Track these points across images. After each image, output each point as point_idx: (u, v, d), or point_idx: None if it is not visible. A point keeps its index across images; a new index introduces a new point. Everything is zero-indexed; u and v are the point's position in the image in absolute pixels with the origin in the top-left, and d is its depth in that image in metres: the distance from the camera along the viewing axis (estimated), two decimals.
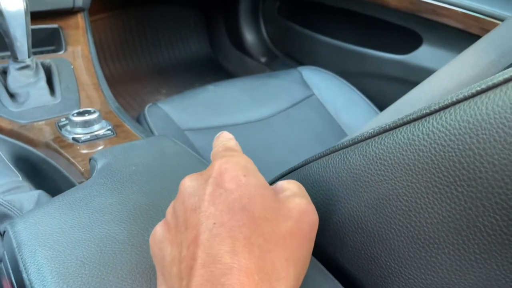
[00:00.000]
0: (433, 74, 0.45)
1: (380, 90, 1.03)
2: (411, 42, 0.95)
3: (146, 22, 1.44)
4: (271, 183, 0.39)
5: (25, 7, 0.61)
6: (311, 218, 0.24)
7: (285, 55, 1.42)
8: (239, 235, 0.20)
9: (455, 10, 0.80)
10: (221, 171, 0.22)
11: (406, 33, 0.95)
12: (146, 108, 0.74)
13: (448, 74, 0.43)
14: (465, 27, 0.80)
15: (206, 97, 0.81)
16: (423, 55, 0.92)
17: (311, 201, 0.25)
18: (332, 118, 0.85)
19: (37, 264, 0.28)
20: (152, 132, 0.68)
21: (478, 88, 0.21)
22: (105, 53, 1.34)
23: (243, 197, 0.21)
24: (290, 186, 0.25)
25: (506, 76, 0.20)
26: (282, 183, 0.26)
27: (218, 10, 1.53)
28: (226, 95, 0.83)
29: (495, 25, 0.74)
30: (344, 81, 0.90)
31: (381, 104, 0.90)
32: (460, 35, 0.83)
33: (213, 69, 1.50)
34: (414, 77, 0.94)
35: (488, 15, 0.75)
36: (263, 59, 1.45)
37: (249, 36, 1.47)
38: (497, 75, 0.20)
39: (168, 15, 1.47)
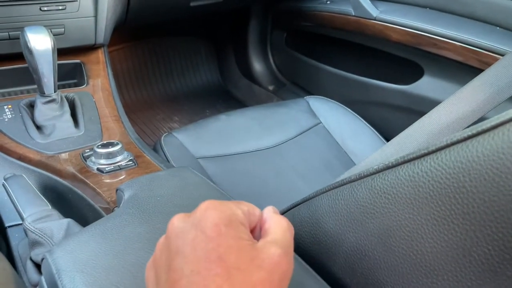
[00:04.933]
0: (433, 109, 0.48)
1: (384, 118, 1.06)
2: (413, 73, 0.97)
3: (160, 52, 1.49)
4: (284, 212, 0.42)
5: (53, 46, 0.66)
6: (283, 269, 0.24)
7: (292, 83, 1.45)
8: (212, 284, 0.22)
9: (454, 43, 0.83)
10: (205, 217, 0.25)
11: (408, 65, 0.98)
12: (162, 137, 0.77)
13: (446, 109, 0.47)
14: (464, 60, 0.83)
15: (218, 126, 0.85)
16: (424, 85, 0.95)
17: (288, 250, 0.26)
18: (338, 145, 0.88)
19: None
20: (168, 161, 0.72)
21: (470, 133, 0.23)
22: (120, 82, 1.39)
23: (220, 247, 0.23)
24: (275, 231, 0.26)
25: (493, 123, 0.22)
26: (270, 225, 0.27)
27: (228, 41, 1.58)
28: (237, 124, 0.87)
29: (492, 57, 0.77)
30: (349, 110, 0.93)
31: (385, 131, 0.92)
32: (459, 67, 0.86)
33: (223, 97, 1.55)
34: (416, 106, 0.97)
35: (486, 49, 0.79)
36: (270, 87, 1.48)
37: (257, 66, 1.51)
38: (485, 121, 0.23)
39: (181, 46, 1.53)
